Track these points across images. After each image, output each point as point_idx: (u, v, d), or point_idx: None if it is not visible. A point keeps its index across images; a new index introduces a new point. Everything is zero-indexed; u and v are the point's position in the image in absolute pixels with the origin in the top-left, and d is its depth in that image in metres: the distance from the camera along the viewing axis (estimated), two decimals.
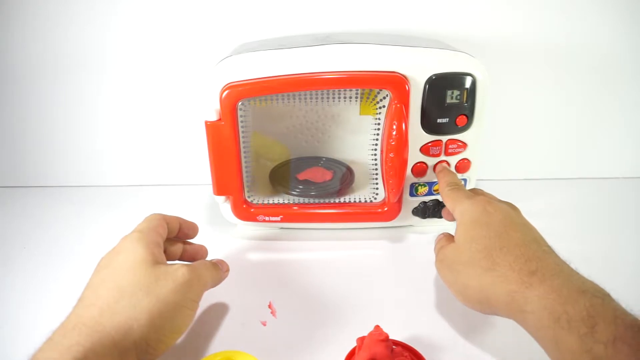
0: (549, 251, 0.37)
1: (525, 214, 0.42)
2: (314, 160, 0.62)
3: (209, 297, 0.46)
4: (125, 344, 0.33)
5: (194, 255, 0.46)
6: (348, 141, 0.61)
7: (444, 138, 0.51)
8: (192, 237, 0.47)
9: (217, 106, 0.48)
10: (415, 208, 0.56)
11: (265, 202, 0.56)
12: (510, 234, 0.38)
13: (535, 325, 0.32)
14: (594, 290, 0.32)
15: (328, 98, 0.53)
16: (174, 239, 0.45)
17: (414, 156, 0.52)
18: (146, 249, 0.37)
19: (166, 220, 0.43)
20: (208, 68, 0.52)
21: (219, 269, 0.43)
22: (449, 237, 0.43)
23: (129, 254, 0.37)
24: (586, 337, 0.29)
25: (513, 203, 0.43)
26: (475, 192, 0.47)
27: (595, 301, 0.30)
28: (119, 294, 0.34)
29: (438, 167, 0.53)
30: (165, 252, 0.41)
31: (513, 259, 0.35)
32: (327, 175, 0.59)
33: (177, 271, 0.37)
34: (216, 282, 0.43)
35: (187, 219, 0.46)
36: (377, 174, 0.55)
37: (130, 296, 0.34)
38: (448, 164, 0.53)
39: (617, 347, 0.27)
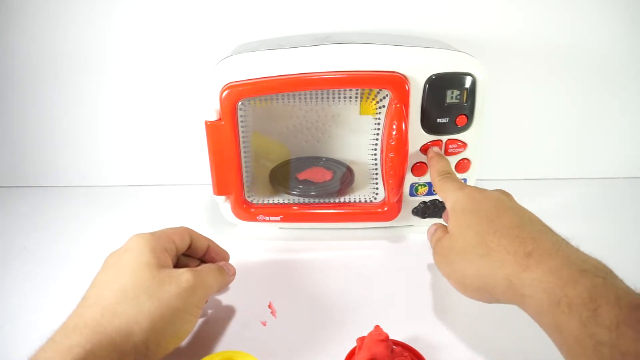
0: (545, 230, 0.35)
1: None
2: (314, 160, 0.62)
3: (210, 297, 0.46)
4: (125, 347, 0.32)
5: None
6: (348, 141, 0.61)
7: (444, 138, 0.51)
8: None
9: (217, 106, 0.48)
10: (415, 208, 0.56)
11: (265, 202, 0.56)
12: (503, 217, 0.37)
13: (536, 310, 0.31)
14: (595, 269, 0.30)
15: (328, 98, 0.53)
16: (197, 259, 0.45)
17: (414, 156, 0.52)
18: (151, 252, 0.37)
19: (192, 236, 0.43)
20: (208, 68, 0.52)
21: (225, 273, 0.43)
22: (444, 229, 0.42)
23: (135, 256, 0.37)
24: (588, 321, 0.27)
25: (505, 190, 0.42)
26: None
27: (596, 281, 0.29)
28: (121, 296, 0.34)
29: (429, 152, 0.51)
30: (177, 264, 0.41)
31: (508, 242, 0.34)
32: (327, 175, 0.59)
33: (181, 276, 0.37)
34: (222, 286, 0.43)
35: (218, 245, 0.46)
36: (377, 174, 0.55)
37: (132, 299, 0.34)
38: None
39: (621, 331, 0.26)
